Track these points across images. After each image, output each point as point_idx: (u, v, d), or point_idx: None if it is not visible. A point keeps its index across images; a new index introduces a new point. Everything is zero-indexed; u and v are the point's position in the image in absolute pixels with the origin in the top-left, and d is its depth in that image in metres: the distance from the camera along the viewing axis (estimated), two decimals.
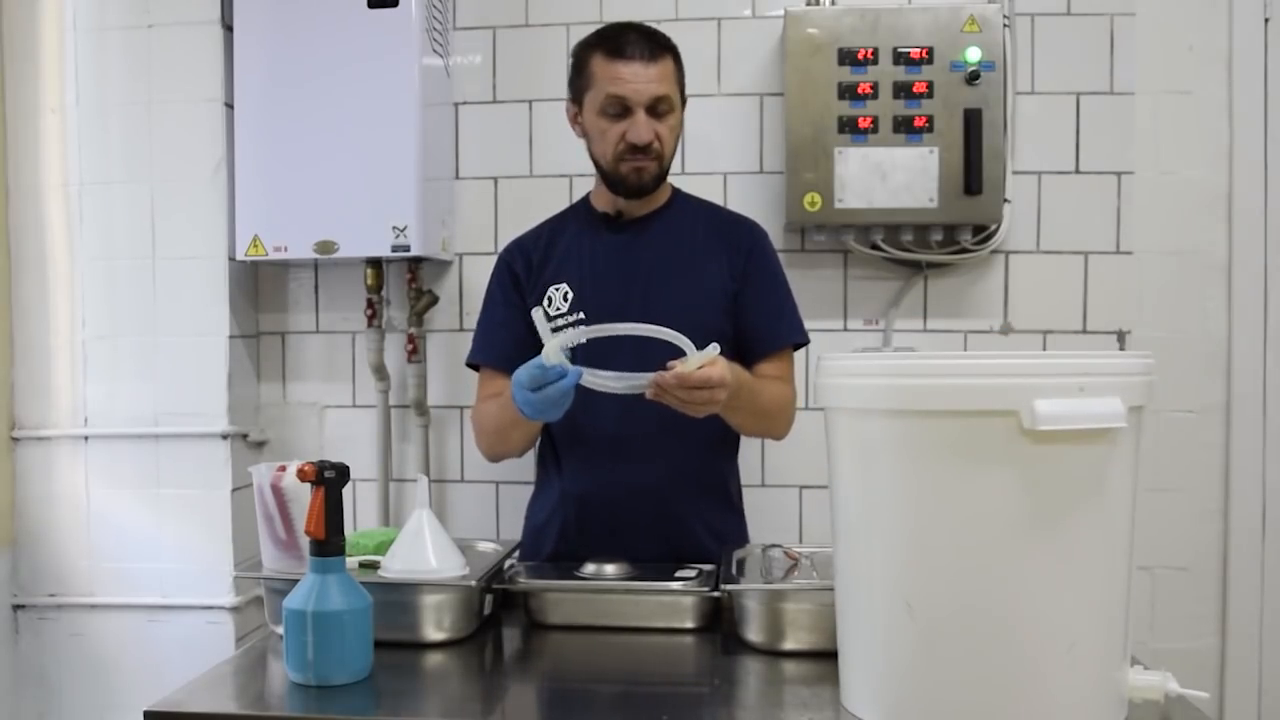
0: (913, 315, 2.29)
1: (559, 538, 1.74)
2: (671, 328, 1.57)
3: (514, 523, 1.92)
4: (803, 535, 2.29)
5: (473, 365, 1.82)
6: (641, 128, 1.65)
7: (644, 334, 1.38)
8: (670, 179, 1.83)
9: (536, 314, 1.43)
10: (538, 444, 1.84)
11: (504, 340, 1.75)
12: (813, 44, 2.14)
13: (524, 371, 1.43)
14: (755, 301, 1.74)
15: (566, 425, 1.75)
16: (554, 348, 1.39)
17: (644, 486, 1.70)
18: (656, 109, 1.66)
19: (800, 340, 1.78)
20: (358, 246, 2.19)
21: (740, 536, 1.79)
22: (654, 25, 1.73)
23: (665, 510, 1.70)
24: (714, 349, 1.41)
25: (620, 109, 1.65)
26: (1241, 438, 2.27)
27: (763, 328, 1.74)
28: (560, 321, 1.71)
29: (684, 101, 1.75)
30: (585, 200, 1.83)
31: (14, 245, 2.34)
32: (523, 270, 1.78)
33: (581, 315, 1.70)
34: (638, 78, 1.64)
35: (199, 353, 2.29)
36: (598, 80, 1.67)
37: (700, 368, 1.40)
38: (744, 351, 1.74)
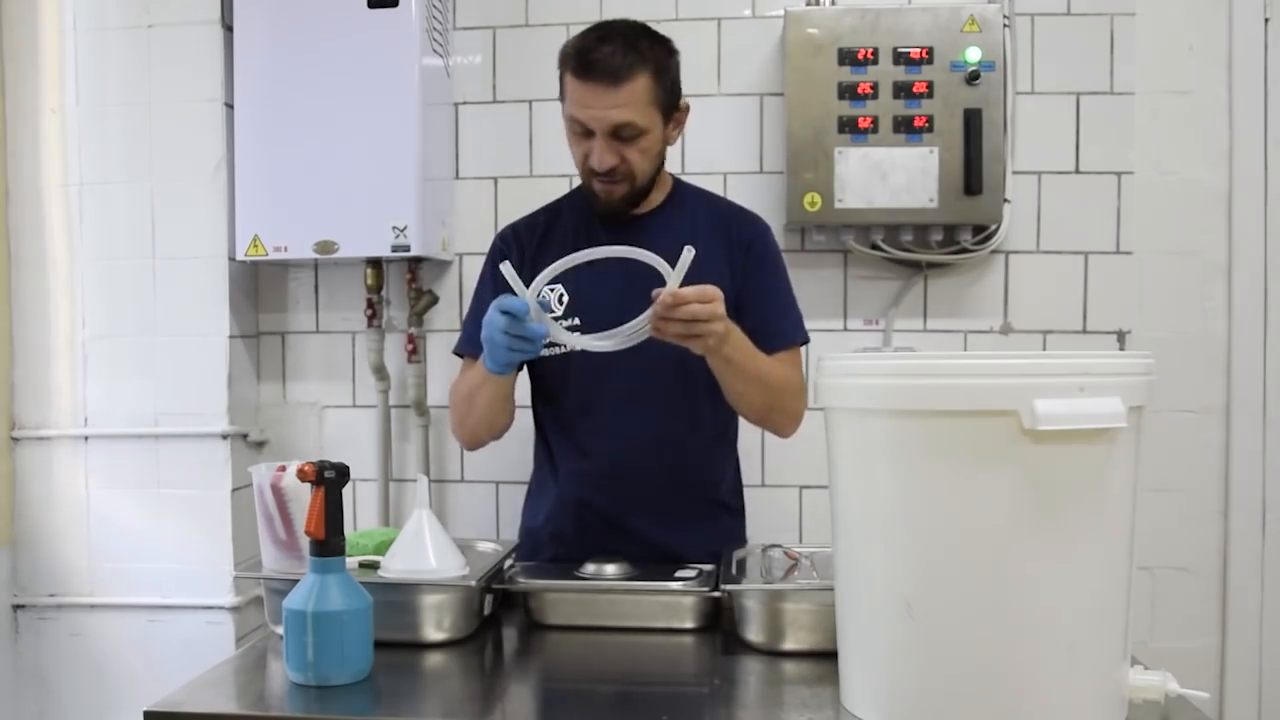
0: (913, 315, 2.29)
1: (556, 541, 1.74)
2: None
3: (514, 523, 1.92)
4: (803, 535, 2.30)
5: (459, 354, 1.77)
6: (601, 154, 1.58)
7: (614, 255, 1.36)
8: (676, 178, 1.81)
9: (505, 268, 1.39)
10: (534, 446, 1.84)
11: None
12: (813, 44, 2.14)
13: (497, 316, 1.40)
14: (756, 300, 1.68)
15: (563, 430, 1.75)
16: (533, 301, 1.39)
17: (640, 490, 1.69)
18: (620, 134, 1.58)
19: (801, 339, 1.73)
20: (358, 246, 2.19)
21: (738, 538, 1.78)
22: (654, 24, 1.69)
23: (661, 512, 1.69)
24: (689, 252, 1.36)
25: (583, 130, 1.59)
26: (1241, 438, 2.27)
27: (766, 326, 1.67)
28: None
29: (674, 107, 1.65)
30: (580, 192, 1.76)
31: (14, 245, 2.34)
32: (517, 260, 1.70)
33: (577, 320, 1.66)
34: (599, 103, 1.55)
35: (199, 353, 2.29)
36: (567, 96, 1.61)
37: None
38: None
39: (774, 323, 1.69)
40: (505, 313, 1.40)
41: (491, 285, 1.71)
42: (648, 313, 1.39)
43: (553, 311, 1.66)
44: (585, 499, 1.71)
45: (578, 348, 1.45)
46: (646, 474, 1.69)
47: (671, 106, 1.65)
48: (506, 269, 1.39)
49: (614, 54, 1.55)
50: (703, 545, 1.65)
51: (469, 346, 1.71)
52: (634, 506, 1.69)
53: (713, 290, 1.41)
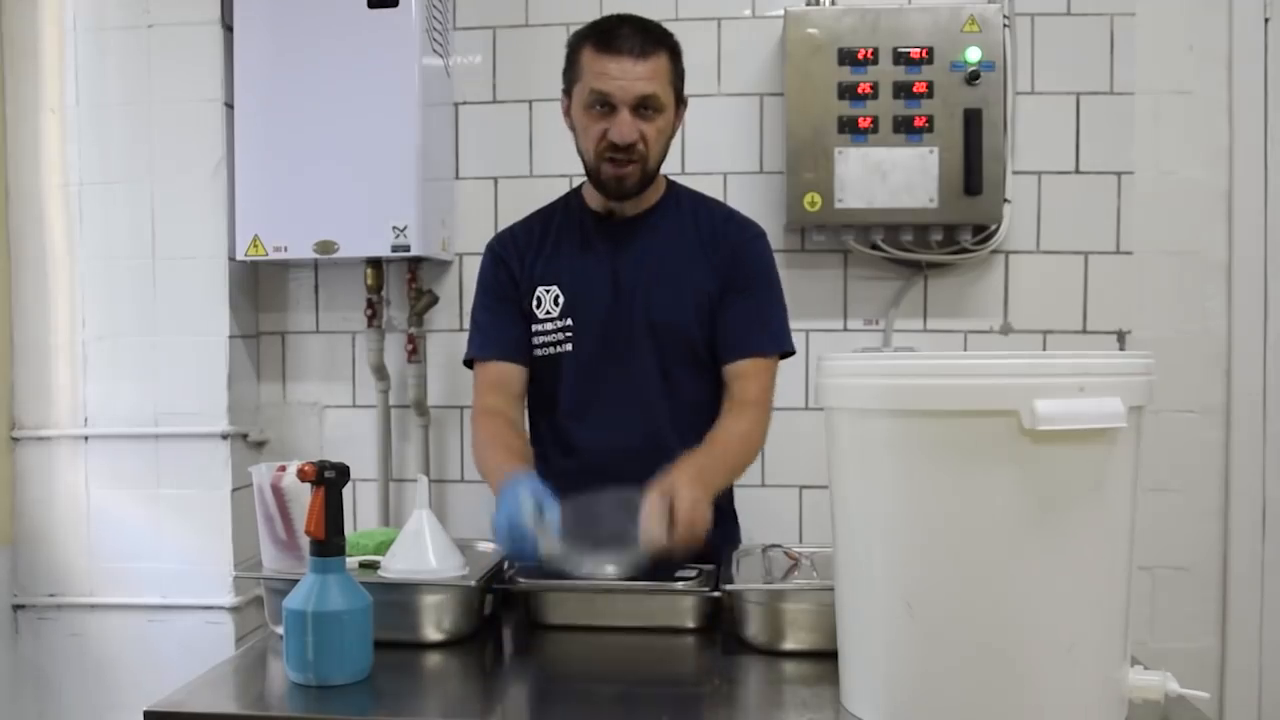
0: (913, 315, 2.29)
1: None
2: (655, 334, 1.65)
3: None
4: (803, 535, 2.29)
5: (469, 363, 1.77)
6: (624, 127, 1.58)
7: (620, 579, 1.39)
8: (669, 178, 1.81)
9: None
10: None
11: (501, 334, 1.72)
12: (813, 44, 2.14)
13: (509, 521, 1.38)
14: (728, 305, 1.68)
15: (552, 427, 1.75)
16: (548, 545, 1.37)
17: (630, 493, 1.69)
18: (643, 108, 1.59)
19: (779, 349, 1.71)
20: (358, 246, 2.19)
21: (729, 538, 1.76)
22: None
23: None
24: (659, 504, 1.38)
25: (604, 105, 1.59)
26: (1241, 438, 2.26)
27: (732, 334, 1.68)
28: (549, 325, 1.70)
29: (683, 102, 1.69)
30: (578, 194, 1.78)
31: (14, 245, 2.34)
32: (516, 265, 1.73)
33: (570, 321, 1.69)
34: (625, 74, 1.57)
35: (199, 353, 2.29)
36: (585, 73, 1.61)
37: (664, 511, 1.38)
38: (717, 354, 1.70)
39: (741, 331, 1.68)
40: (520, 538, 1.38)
41: (495, 291, 1.75)
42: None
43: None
44: (570, 495, 1.71)
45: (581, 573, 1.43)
46: (631, 473, 1.67)
47: (680, 96, 1.69)
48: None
49: (636, 32, 1.61)
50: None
51: (478, 350, 1.74)
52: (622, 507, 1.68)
53: (687, 508, 1.40)
